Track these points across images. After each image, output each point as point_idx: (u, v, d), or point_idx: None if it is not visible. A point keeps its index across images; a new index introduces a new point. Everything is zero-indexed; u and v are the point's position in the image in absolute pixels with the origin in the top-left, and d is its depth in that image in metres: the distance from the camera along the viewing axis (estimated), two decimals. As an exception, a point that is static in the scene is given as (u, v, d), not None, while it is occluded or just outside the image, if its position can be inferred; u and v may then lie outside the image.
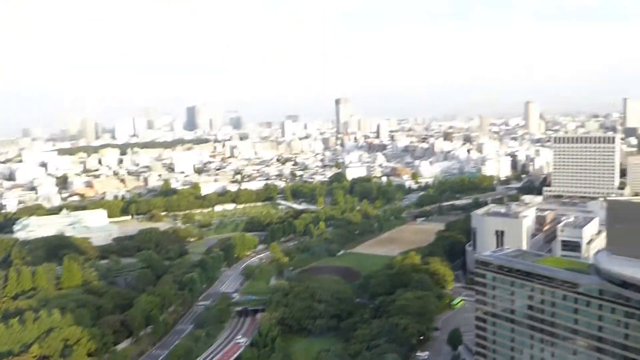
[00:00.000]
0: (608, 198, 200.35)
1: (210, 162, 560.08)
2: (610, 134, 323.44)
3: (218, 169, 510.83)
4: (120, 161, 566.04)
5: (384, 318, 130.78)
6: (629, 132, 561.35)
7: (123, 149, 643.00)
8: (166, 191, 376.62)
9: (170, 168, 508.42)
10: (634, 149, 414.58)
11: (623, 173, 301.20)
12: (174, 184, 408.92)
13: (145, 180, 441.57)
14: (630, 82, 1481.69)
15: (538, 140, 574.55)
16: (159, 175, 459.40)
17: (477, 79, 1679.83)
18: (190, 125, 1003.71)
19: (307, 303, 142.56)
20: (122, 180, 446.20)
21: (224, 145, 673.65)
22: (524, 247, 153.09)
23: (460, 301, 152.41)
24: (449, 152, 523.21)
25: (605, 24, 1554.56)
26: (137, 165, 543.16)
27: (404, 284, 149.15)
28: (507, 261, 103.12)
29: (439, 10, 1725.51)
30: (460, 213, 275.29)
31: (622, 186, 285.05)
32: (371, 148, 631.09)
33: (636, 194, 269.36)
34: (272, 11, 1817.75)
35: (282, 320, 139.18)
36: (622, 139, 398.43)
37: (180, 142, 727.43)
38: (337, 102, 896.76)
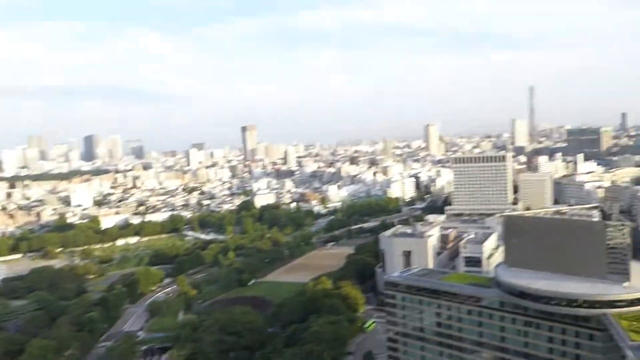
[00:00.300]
0: (503, 214, 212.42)
1: (111, 194, 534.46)
2: (502, 152, 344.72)
3: (120, 201, 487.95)
4: (9, 195, 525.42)
5: (297, 346, 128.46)
6: (518, 150, 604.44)
7: (12, 181, 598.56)
8: (62, 226, 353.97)
9: (67, 201, 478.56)
10: (524, 166, 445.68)
11: (516, 189, 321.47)
12: (71, 218, 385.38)
13: (38, 214, 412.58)
14: (516, 104, 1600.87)
15: (439, 161, 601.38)
16: (54, 209, 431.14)
17: (379, 104, 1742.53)
18: (89, 155, 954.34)
19: (217, 337, 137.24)
20: (11, 216, 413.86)
21: (125, 176, 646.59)
22: (430, 265, 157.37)
23: (372, 323, 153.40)
24: (355, 176, 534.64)
25: (498, 51, 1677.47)
26: (29, 199, 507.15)
27: (316, 310, 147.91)
28: (414, 280, 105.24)
29: (342, 36, 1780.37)
30: (369, 235, 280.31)
31: (515, 202, 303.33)
32: (279, 174, 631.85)
33: (528, 208, 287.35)
34: (173, 37, 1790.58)
35: (192, 356, 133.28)
36: (512, 157, 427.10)
37: (78, 173, 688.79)
38: (244, 129, 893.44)
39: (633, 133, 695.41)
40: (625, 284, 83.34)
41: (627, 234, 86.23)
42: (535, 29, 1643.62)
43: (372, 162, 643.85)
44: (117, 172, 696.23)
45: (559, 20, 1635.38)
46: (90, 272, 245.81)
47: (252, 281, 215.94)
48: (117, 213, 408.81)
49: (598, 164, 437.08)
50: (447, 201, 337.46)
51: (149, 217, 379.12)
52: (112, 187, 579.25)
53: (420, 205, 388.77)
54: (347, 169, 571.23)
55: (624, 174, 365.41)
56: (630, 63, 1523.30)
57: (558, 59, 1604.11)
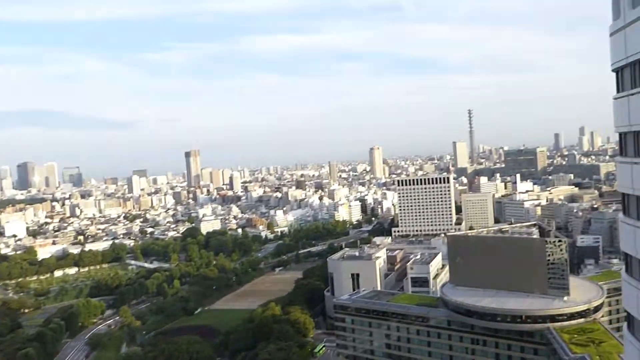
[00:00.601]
0: (448, 233, 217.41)
1: (47, 223, 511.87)
2: (444, 174, 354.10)
3: (57, 230, 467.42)
4: None
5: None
6: (460, 171, 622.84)
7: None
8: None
9: None
10: (465, 187, 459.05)
11: (459, 210, 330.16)
12: (4, 250, 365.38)
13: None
14: (457, 126, 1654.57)
15: (384, 184, 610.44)
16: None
17: (324, 128, 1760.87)
18: (23, 183, 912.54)
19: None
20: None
21: (63, 204, 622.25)
22: (379, 287, 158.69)
23: (322, 348, 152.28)
24: (302, 200, 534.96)
25: (438, 76, 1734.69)
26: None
27: (265, 336, 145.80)
28: (363, 303, 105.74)
29: (286, 61, 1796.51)
30: (317, 259, 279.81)
31: (459, 221, 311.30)
32: (225, 200, 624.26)
33: (471, 228, 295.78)
34: (114, 63, 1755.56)
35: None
36: (454, 178, 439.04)
37: (11, 202, 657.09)
38: (187, 154, 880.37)
39: (566, 153, 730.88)
40: (565, 298, 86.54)
41: (565, 250, 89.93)
42: (473, 55, 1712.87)
43: (319, 186, 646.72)
44: (53, 200, 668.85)
45: (495, 46, 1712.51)
46: (25, 305, 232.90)
47: (199, 309, 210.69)
48: (54, 243, 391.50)
49: (535, 183, 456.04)
50: (393, 223, 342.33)
51: (89, 247, 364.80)
52: (48, 217, 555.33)
53: (367, 227, 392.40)
54: (294, 194, 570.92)
55: (559, 192, 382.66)
56: (561, 87, 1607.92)
57: (495, 83, 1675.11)
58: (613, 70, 29.17)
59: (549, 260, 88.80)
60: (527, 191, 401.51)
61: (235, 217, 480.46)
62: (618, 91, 28.85)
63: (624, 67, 27.56)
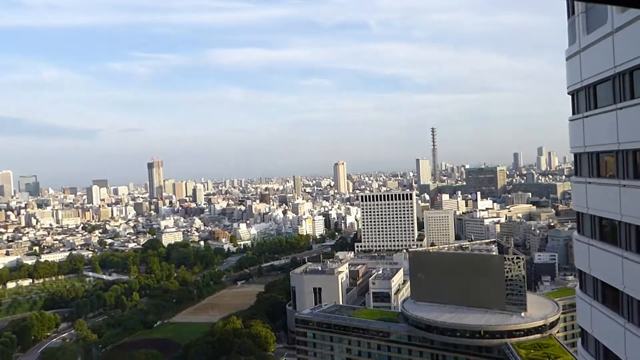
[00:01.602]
0: (409, 249, 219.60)
1: (1, 233, 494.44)
2: (407, 191, 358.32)
3: (11, 241, 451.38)
4: None
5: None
6: (423, 188, 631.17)
7: None
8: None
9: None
10: (428, 204, 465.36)
11: (421, 226, 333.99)
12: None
13: None
14: (420, 144, 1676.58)
15: (348, 199, 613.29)
16: None
17: (288, 142, 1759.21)
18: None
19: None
20: None
21: (18, 214, 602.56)
22: (341, 301, 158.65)
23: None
24: (266, 213, 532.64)
25: (402, 93, 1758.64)
26: None
27: (226, 350, 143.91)
28: (325, 317, 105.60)
29: (250, 75, 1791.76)
30: (280, 273, 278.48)
31: (420, 238, 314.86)
32: (188, 212, 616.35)
33: (432, 244, 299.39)
34: (75, 71, 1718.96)
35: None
36: (417, 195, 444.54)
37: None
38: (150, 165, 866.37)
39: (524, 172, 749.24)
40: (523, 314, 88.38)
41: (523, 267, 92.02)
42: (436, 73, 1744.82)
43: (283, 200, 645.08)
44: (8, 209, 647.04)
45: (457, 66, 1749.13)
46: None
47: (158, 323, 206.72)
48: (7, 254, 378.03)
49: (495, 201, 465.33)
50: (356, 238, 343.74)
51: (45, 258, 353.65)
52: (2, 226, 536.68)
53: (330, 242, 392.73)
54: (258, 207, 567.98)
55: (517, 210, 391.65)
56: (521, 107, 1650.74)
57: (457, 102, 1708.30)
58: (569, 93, 30.19)
59: (507, 276, 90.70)
60: (487, 209, 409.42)
61: (197, 230, 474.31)
62: (573, 113, 29.86)
63: (579, 90, 28.60)
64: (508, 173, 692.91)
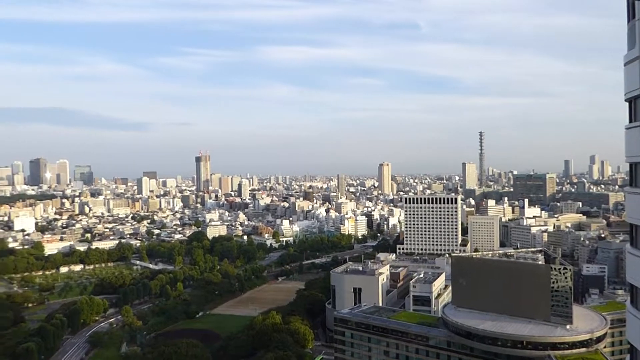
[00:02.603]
0: (452, 254, 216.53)
1: (56, 220, 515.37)
2: (452, 195, 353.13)
3: (65, 227, 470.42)
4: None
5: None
6: (468, 193, 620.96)
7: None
8: (1, 251, 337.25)
9: (8, 226, 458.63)
10: (473, 209, 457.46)
11: (465, 231, 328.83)
12: (12, 244, 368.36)
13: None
14: (467, 148, 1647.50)
15: (391, 201, 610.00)
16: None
17: (334, 141, 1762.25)
18: (34, 179, 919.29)
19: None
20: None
21: (73, 202, 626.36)
22: (380, 303, 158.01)
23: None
24: (309, 211, 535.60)
25: (451, 96, 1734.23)
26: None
27: (264, 344, 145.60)
28: (364, 318, 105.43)
29: (300, 73, 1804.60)
30: (320, 271, 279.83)
31: (464, 243, 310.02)
32: (232, 206, 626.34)
33: (476, 250, 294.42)
34: (129, 66, 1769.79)
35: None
36: (462, 199, 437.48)
37: (22, 197, 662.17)
38: (198, 159, 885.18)
39: (575, 180, 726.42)
40: (568, 327, 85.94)
41: (570, 278, 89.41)
42: (486, 76, 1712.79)
43: (326, 199, 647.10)
44: (64, 197, 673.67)
45: (508, 69, 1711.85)
46: (29, 300, 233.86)
47: (200, 313, 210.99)
48: (61, 240, 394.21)
49: (543, 209, 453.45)
50: (398, 240, 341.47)
51: (96, 245, 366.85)
52: (57, 213, 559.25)
53: (372, 243, 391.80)
54: (301, 204, 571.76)
55: (566, 219, 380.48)
56: (573, 113, 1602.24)
57: (507, 106, 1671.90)
58: (626, 100, 29.17)
59: (553, 287, 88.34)
60: (534, 217, 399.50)
61: (241, 224, 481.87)
62: (630, 121, 28.88)
63: (637, 97, 27.67)
64: (558, 181, 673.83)
